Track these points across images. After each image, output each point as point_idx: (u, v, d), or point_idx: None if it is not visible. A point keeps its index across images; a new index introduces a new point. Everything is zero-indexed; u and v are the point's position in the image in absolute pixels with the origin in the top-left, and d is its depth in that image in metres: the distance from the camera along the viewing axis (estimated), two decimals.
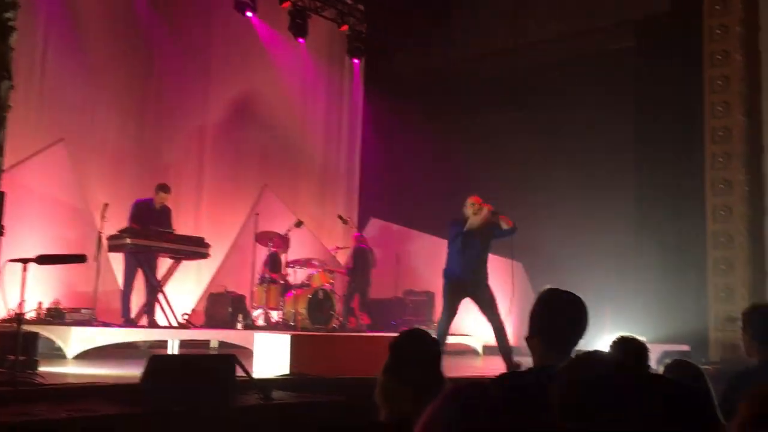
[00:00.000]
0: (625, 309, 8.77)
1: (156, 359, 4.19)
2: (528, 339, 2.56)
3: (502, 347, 6.87)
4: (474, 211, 7.06)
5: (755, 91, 8.82)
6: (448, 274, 7.11)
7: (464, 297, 7.03)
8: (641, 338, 3.02)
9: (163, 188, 8.80)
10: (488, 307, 6.94)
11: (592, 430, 1.38)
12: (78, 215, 9.07)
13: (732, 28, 8.91)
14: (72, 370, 6.23)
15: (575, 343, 2.51)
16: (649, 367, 2.98)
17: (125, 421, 3.74)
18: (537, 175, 10.63)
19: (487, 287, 7.03)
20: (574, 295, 2.58)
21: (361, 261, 11.10)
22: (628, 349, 2.85)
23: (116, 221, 8.40)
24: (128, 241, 8.07)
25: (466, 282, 7.03)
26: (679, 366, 3.03)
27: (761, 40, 8.89)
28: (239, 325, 9.07)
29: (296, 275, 10.17)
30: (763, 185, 8.74)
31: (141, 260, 8.35)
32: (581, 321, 2.54)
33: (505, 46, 11.88)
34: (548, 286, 2.66)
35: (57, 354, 7.05)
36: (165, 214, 8.83)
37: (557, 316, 2.54)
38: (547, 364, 2.42)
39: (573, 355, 2.35)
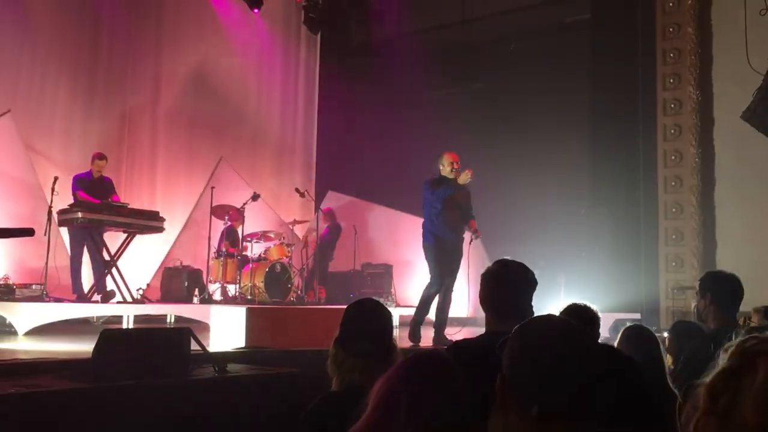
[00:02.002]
0: (578, 278, 8.93)
1: (107, 334, 4.13)
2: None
3: (441, 319, 6.76)
4: (451, 170, 6.83)
5: (706, 64, 8.96)
6: (437, 236, 6.81)
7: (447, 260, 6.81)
8: (593, 306, 3.07)
9: (98, 156, 8.58)
10: (453, 277, 6.86)
11: (537, 392, 1.39)
12: (28, 189, 8.87)
13: (684, 2, 9.01)
14: (22, 346, 6.12)
15: (524, 309, 2.58)
16: (599, 334, 3.04)
17: (76, 397, 3.69)
18: (492, 147, 10.67)
19: (462, 255, 6.91)
20: (519, 264, 2.70)
21: (336, 236, 11.16)
22: (579, 317, 2.89)
23: (68, 195, 8.23)
24: (79, 215, 7.91)
25: (451, 245, 6.83)
26: (636, 331, 3.11)
27: (713, 13, 9.02)
28: (195, 300, 9.00)
29: (253, 249, 10.10)
30: (713, 157, 8.92)
31: (91, 234, 8.19)
32: (526, 289, 2.65)
33: (461, 17, 11.85)
34: (500, 259, 2.77)
35: (8, 330, 6.93)
36: (106, 184, 8.62)
37: (502, 286, 2.65)
38: (496, 330, 2.52)
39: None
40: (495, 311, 2.63)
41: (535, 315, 1.68)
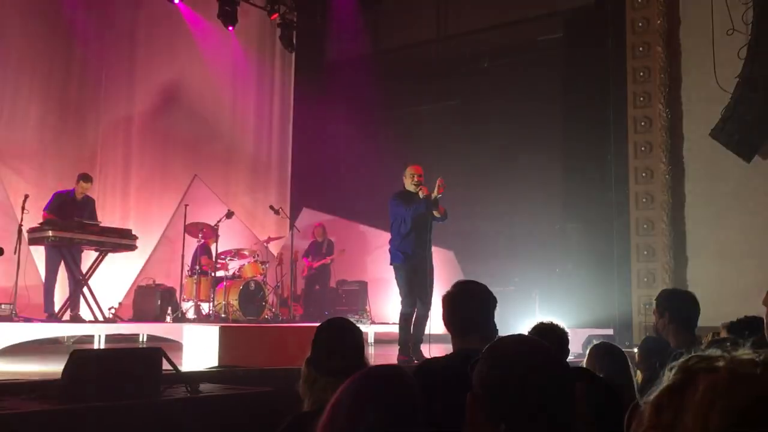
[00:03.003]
0: (552, 294, 8.99)
1: (78, 354, 4.08)
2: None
3: (418, 335, 6.58)
4: (413, 183, 6.63)
5: (676, 83, 9.10)
6: (406, 254, 6.60)
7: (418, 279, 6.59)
8: (560, 324, 3.10)
9: (85, 178, 8.53)
10: (427, 292, 6.62)
11: (505, 411, 1.41)
12: None
13: (653, 21, 9.17)
14: None
15: (485, 326, 2.69)
16: (568, 352, 3.06)
17: (45, 418, 3.63)
18: (466, 164, 10.73)
19: (432, 271, 6.69)
20: (477, 284, 2.81)
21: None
22: (547, 336, 2.92)
23: (38, 213, 8.14)
24: (50, 233, 7.83)
25: (421, 261, 6.61)
26: (604, 349, 3.14)
27: (681, 33, 9.18)
28: (168, 318, 8.92)
29: (227, 267, 10.04)
30: (683, 174, 9.04)
31: (64, 253, 8.11)
32: (487, 307, 2.74)
33: (436, 35, 11.96)
34: (458, 281, 2.92)
35: None
36: (88, 204, 8.58)
37: (463, 306, 2.74)
38: (461, 348, 2.63)
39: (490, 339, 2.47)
40: (458, 331, 2.72)
41: (504, 334, 1.70)
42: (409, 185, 6.74)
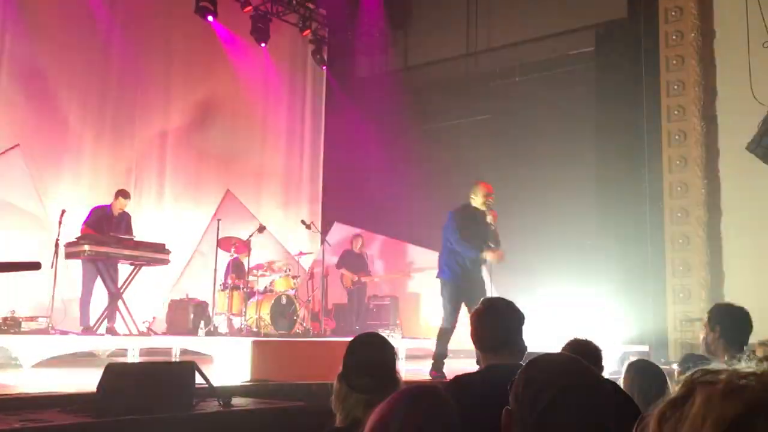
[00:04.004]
0: (586, 310, 8.88)
1: (112, 368, 4.12)
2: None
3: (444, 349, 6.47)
4: (484, 203, 6.51)
5: (710, 96, 9.00)
6: (454, 272, 6.46)
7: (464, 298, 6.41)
8: (594, 341, 3.07)
9: (123, 194, 8.68)
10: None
11: (539, 428, 1.40)
12: (35, 222, 8.93)
13: (687, 35, 9.08)
14: (28, 379, 6.11)
15: (514, 342, 2.71)
16: (603, 368, 3.03)
17: (81, 430, 3.68)
18: (498, 180, 10.62)
19: (484, 292, 6.41)
20: (504, 301, 2.83)
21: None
22: (582, 353, 2.89)
23: (75, 228, 8.27)
24: (86, 248, 7.95)
25: (470, 281, 6.48)
26: (641, 365, 3.11)
27: (716, 45, 9.08)
28: (201, 332, 8.98)
29: (259, 281, 10.09)
30: (719, 188, 8.92)
31: (100, 268, 8.23)
32: (514, 323, 2.75)
33: (466, 50, 11.97)
34: (485, 298, 2.98)
35: (13, 364, 6.92)
36: (124, 220, 8.71)
37: (489, 323, 2.76)
38: (492, 364, 2.65)
39: (519, 355, 2.65)
40: (487, 347, 2.74)
41: (536, 350, 1.69)
42: (478, 203, 6.57)
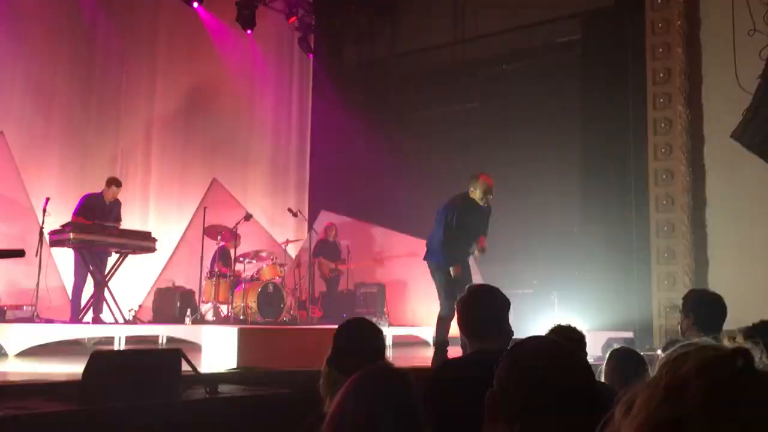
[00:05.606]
0: (571, 296, 8.93)
1: (98, 355, 4.11)
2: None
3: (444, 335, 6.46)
4: (483, 198, 6.58)
5: (696, 84, 9.03)
6: (447, 258, 6.51)
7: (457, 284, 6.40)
8: (579, 327, 3.09)
9: (115, 182, 8.65)
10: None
11: (520, 412, 1.41)
12: (19, 210, 8.86)
13: (673, 23, 9.09)
14: (13, 367, 6.08)
15: (500, 327, 2.74)
16: (586, 354, 3.05)
17: (66, 419, 3.67)
18: (485, 166, 10.66)
19: (470, 278, 6.62)
20: (490, 287, 2.88)
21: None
22: (565, 338, 2.91)
23: (59, 216, 8.21)
24: (71, 236, 7.91)
25: (462, 267, 6.58)
26: (623, 353, 3.13)
27: (702, 34, 9.10)
28: (187, 320, 8.96)
29: (246, 269, 10.08)
30: (704, 176, 8.96)
31: (85, 255, 8.18)
32: (501, 309, 2.79)
33: (453, 38, 11.94)
34: (470, 285, 3.05)
35: None
36: (115, 207, 8.66)
37: (475, 310, 2.79)
38: (476, 349, 2.70)
39: (505, 340, 2.66)
40: (474, 333, 2.76)
41: (523, 336, 1.70)
42: (477, 196, 6.61)
